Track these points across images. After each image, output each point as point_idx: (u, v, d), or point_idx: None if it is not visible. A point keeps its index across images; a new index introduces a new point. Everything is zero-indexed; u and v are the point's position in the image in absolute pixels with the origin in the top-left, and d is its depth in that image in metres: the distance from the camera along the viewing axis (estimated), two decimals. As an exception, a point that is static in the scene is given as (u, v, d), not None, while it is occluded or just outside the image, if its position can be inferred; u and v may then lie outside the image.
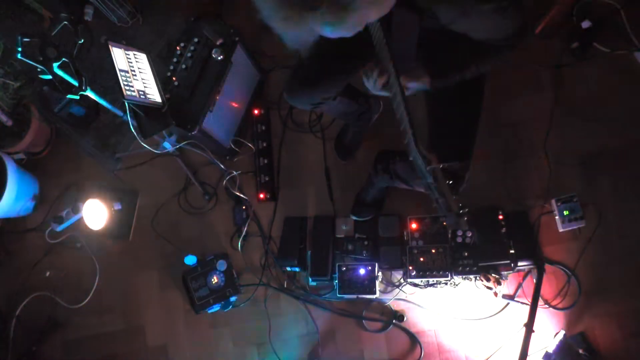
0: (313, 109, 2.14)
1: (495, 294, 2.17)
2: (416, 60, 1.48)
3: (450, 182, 1.22)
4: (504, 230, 2.16)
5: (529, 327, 2.02)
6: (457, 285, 2.20)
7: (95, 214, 2.35)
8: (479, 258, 2.12)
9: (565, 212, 2.21)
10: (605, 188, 2.27)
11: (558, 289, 2.19)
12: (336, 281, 2.22)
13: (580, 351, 2.07)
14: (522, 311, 2.17)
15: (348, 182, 2.44)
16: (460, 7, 1.24)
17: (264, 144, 2.53)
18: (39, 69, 1.84)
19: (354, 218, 2.33)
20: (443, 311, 2.24)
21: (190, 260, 2.36)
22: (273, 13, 0.97)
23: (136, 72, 2.08)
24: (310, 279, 2.31)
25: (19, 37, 1.78)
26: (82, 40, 1.94)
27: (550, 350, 2.06)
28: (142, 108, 2.05)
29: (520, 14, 1.31)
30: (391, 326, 2.27)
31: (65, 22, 1.94)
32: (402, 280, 2.25)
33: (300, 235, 2.38)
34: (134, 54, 2.13)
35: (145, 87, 2.07)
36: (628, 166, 2.27)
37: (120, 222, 2.54)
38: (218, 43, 2.18)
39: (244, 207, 2.48)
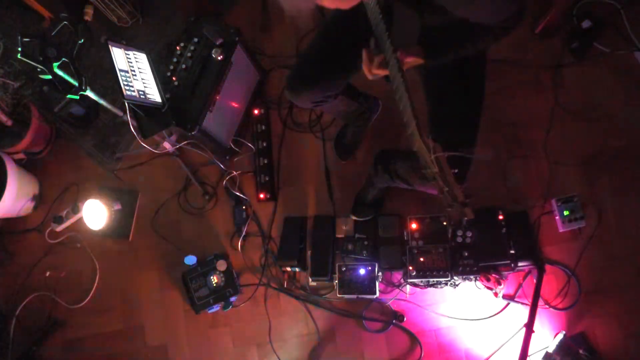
0: (314, 107, 2.14)
1: (496, 294, 2.17)
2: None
3: (456, 171, 1.20)
4: (504, 230, 2.16)
5: (529, 327, 2.02)
6: (457, 285, 2.20)
7: (95, 214, 2.35)
8: (479, 258, 2.12)
9: (565, 212, 2.21)
10: (605, 188, 2.27)
11: (558, 289, 2.19)
12: (336, 281, 2.22)
13: (580, 351, 2.07)
14: (522, 311, 2.17)
15: (348, 182, 2.43)
16: None
17: (264, 144, 2.53)
18: (39, 69, 1.84)
19: (354, 218, 2.33)
20: (443, 311, 2.24)
21: (190, 260, 2.36)
22: None
23: (136, 72, 2.07)
24: (310, 279, 2.31)
25: (19, 37, 1.78)
26: (82, 40, 1.94)
27: (550, 350, 2.06)
28: (142, 108, 2.05)
29: None
30: (391, 326, 2.27)
31: (65, 22, 1.94)
32: (402, 280, 2.25)
33: (300, 235, 2.38)
34: (134, 54, 2.13)
35: (145, 87, 2.07)
36: (628, 166, 2.27)
37: (120, 222, 2.55)
38: (218, 43, 2.18)
39: (244, 207, 2.48)
